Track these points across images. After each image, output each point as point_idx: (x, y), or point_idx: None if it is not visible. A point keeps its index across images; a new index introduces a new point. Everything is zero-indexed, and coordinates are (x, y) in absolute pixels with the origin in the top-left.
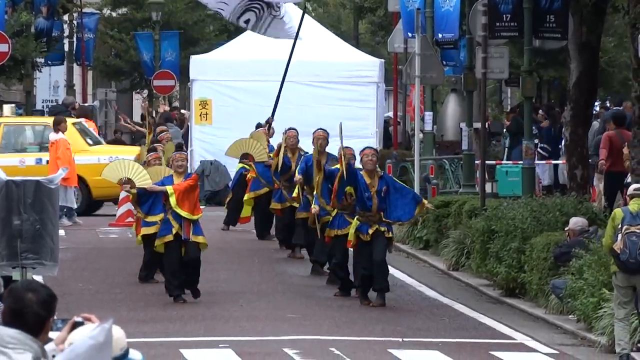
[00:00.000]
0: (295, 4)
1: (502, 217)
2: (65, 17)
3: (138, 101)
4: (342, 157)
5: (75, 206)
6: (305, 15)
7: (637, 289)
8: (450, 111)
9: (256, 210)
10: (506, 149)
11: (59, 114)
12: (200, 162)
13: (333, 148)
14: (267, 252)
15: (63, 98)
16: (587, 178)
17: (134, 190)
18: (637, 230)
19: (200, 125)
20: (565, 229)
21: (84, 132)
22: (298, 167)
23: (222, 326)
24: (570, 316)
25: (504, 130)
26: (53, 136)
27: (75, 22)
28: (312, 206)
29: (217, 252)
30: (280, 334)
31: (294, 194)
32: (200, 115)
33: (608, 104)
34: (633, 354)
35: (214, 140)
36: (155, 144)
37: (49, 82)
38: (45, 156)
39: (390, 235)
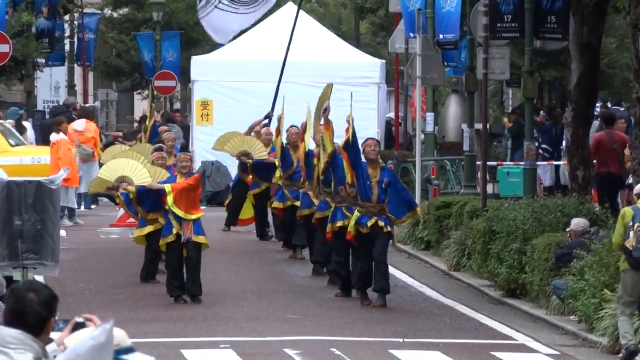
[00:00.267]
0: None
1: (503, 217)
2: (66, 18)
3: (139, 101)
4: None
5: (76, 206)
6: (307, 15)
7: None
8: (451, 112)
9: (256, 210)
10: (509, 150)
11: (60, 115)
12: (202, 162)
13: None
14: (268, 252)
15: (64, 99)
16: (589, 179)
17: (132, 188)
18: None
19: (201, 126)
20: (567, 229)
21: (6, 133)
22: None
23: (223, 326)
24: (571, 317)
25: (505, 131)
26: (54, 137)
27: (76, 22)
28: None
29: (217, 253)
30: (281, 335)
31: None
32: (202, 115)
33: (609, 104)
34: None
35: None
36: (159, 144)
37: (50, 82)
38: None
39: (389, 229)
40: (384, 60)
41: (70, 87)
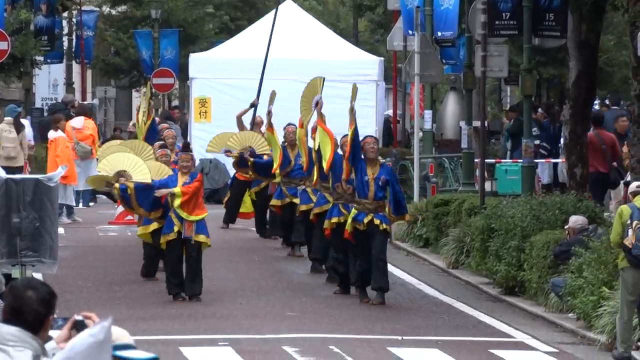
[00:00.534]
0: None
1: (501, 215)
2: (65, 15)
3: (138, 99)
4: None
5: (74, 204)
6: (305, 12)
7: None
8: (449, 109)
9: (256, 207)
10: (508, 151)
11: (58, 112)
12: (200, 160)
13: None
14: (267, 250)
15: (62, 96)
16: (587, 176)
17: (130, 184)
18: None
19: (199, 123)
20: (565, 227)
21: None
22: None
23: (222, 324)
24: (569, 314)
25: (505, 130)
26: (52, 134)
27: (74, 19)
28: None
29: (216, 251)
30: (280, 332)
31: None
32: (200, 113)
33: (607, 102)
34: (633, 353)
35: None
36: (162, 142)
37: (49, 80)
38: None
39: (385, 227)
40: (382, 58)
41: (69, 84)
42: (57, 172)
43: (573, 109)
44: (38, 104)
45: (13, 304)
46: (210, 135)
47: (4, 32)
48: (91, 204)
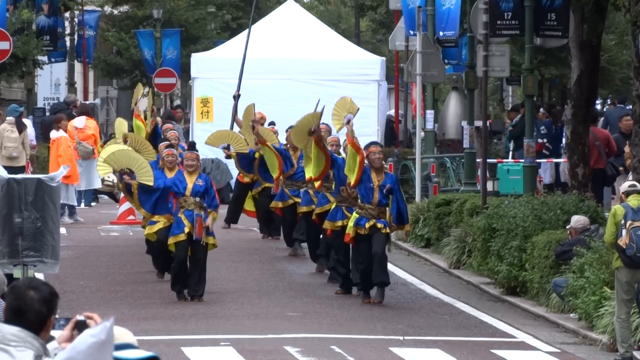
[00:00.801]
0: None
1: (503, 215)
2: (67, 15)
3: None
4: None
5: (76, 204)
6: (307, 13)
7: None
8: (451, 109)
9: (258, 207)
10: (510, 152)
11: (60, 112)
12: (202, 160)
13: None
14: (268, 250)
15: (64, 96)
16: (589, 176)
17: (134, 182)
18: None
19: (201, 123)
20: (567, 227)
21: None
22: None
23: (223, 324)
24: (571, 314)
25: (508, 130)
26: (54, 134)
27: (76, 19)
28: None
29: (218, 251)
30: (281, 332)
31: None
32: (202, 113)
33: (609, 101)
34: (635, 353)
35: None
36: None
37: (51, 80)
38: None
39: (388, 231)
40: (384, 58)
41: (71, 84)
42: (59, 172)
43: (575, 108)
44: (40, 104)
45: (15, 304)
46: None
47: (6, 32)
48: (93, 203)
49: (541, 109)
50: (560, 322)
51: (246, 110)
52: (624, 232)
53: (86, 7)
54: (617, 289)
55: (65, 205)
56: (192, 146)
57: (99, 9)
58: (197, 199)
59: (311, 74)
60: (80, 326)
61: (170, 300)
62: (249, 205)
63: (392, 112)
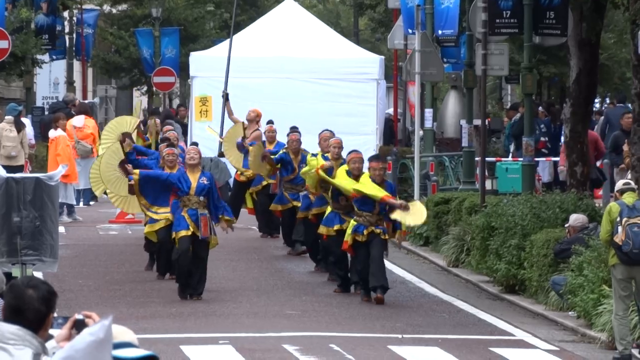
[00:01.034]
0: None
1: (502, 213)
2: (65, 14)
3: (138, 98)
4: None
5: (75, 203)
6: (305, 11)
7: (636, 281)
8: (450, 108)
9: (257, 206)
10: (510, 153)
11: (59, 111)
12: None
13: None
14: (267, 248)
15: (63, 95)
16: (587, 175)
17: (136, 171)
18: (639, 222)
19: (200, 122)
20: (565, 225)
21: None
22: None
23: (222, 322)
24: (570, 313)
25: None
26: (52, 133)
27: (75, 18)
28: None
29: (216, 249)
30: (280, 330)
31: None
32: (201, 112)
33: (607, 100)
34: (633, 351)
35: (214, 137)
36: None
37: (49, 78)
38: None
39: (386, 237)
40: (382, 57)
41: (70, 83)
42: (58, 171)
43: (574, 107)
44: (39, 103)
45: (13, 303)
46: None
47: (4, 30)
48: (92, 202)
49: (540, 108)
50: (559, 320)
51: (234, 127)
52: (619, 229)
53: (85, 6)
54: (615, 286)
55: (64, 204)
56: (194, 143)
57: (97, 7)
58: (202, 198)
59: (310, 72)
60: (79, 325)
61: (169, 299)
62: (248, 202)
63: (390, 110)
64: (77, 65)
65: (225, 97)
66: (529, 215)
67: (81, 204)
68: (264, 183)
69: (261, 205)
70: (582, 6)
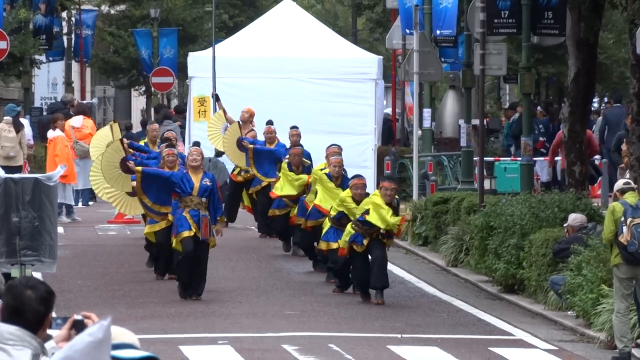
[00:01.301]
0: None
1: (500, 213)
2: (64, 14)
3: (136, 98)
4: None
5: (74, 203)
6: (303, 11)
7: (638, 280)
8: (448, 108)
9: (257, 206)
10: (512, 153)
11: (58, 112)
12: None
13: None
14: (266, 248)
15: (62, 95)
16: (586, 174)
17: (138, 168)
18: None
19: (198, 123)
20: (564, 225)
21: None
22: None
23: (221, 323)
24: (569, 312)
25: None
26: (51, 134)
27: (73, 18)
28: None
29: (216, 249)
30: (279, 331)
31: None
32: (199, 112)
33: (605, 99)
34: (633, 350)
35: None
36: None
37: (48, 79)
38: None
39: (385, 241)
40: (381, 57)
41: (68, 83)
42: (56, 172)
43: (572, 107)
44: (37, 103)
45: (12, 304)
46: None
47: (3, 31)
48: (90, 203)
49: (539, 107)
50: (558, 320)
51: (232, 127)
52: (624, 229)
53: (83, 7)
54: (617, 285)
55: (62, 205)
56: (196, 144)
57: (96, 8)
58: (204, 199)
59: (308, 72)
60: (78, 325)
61: (168, 299)
62: (245, 200)
63: (389, 110)
64: (75, 65)
65: (216, 98)
66: (528, 214)
67: (80, 204)
68: (264, 184)
69: (261, 205)
70: (580, 6)
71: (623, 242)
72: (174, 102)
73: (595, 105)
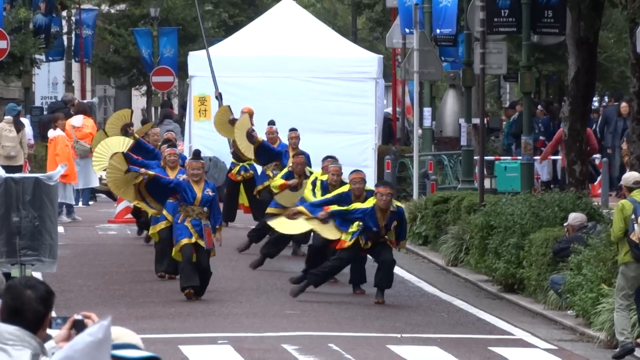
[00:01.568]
0: None
1: (500, 212)
2: (64, 14)
3: (137, 97)
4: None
5: (74, 203)
6: (303, 10)
7: None
8: (449, 107)
9: (258, 203)
10: (514, 153)
11: (58, 111)
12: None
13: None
14: None
15: (62, 95)
16: (586, 173)
17: (151, 172)
18: None
19: (199, 122)
20: (564, 224)
21: None
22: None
23: (221, 322)
24: (569, 312)
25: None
26: (51, 133)
27: (73, 18)
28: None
29: (216, 249)
30: (279, 330)
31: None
32: (199, 111)
33: (606, 99)
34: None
35: (213, 137)
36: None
37: (48, 78)
38: None
39: (401, 243)
40: (381, 56)
41: (68, 83)
42: (57, 171)
43: (572, 105)
44: (38, 103)
45: (12, 304)
46: (210, 133)
47: (3, 30)
48: (91, 202)
49: (539, 106)
50: (558, 319)
51: (241, 120)
52: (636, 227)
53: (83, 6)
54: (622, 284)
55: (63, 204)
56: (197, 155)
57: (96, 7)
58: (205, 209)
59: (308, 71)
60: (78, 325)
61: (168, 299)
62: (242, 200)
63: (389, 109)
64: (75, 65)
65: (219, 97)
66: (528, 214)
67: (80, 203)
68: (266, 184)
69: (265, 204)
70: (580, 5)
71: (635, 240)
72: (175, 102)
73: (596, 104)
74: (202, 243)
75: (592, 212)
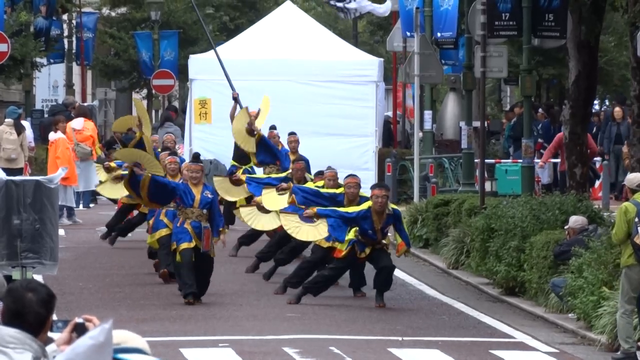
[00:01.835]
0: None
1: (501, 215)
2: (65, 17)
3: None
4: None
5: (75, 205)
6: (304, 13)
7: None
8: (449, 110)
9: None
10: (511, 156)
11: (59, 114)
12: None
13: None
14: None
15: (63, 98)
16: (587, 176)
17: (147, 174)
18: None
19: (199, 125)
20: (565, 227)
21: None
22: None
23: (222, 325)
24: (570, 315)
25: (509, 130)
26: (52, 136)
27: (74, 21)
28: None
29: (216, 251)
30: (280, 333)
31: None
32: (200, 114)
33: (607, 102)
34: (637, 353)
35: (214, 140)
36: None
37: (49, 81)
38: None
39: (387, 249)
40: (381, 59)
41: (69, 86)
42: (58, 174)
43: (573, 109)
44: (38, 106)
45: (13, 307)
46: (210, 136)
47: (3, 34)
48: (91, 205)
49: (540, 110)
50: (559, 323)
51: (240, 113)
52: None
53: (84, 9)
54: (625, 287)
55: (63, 207)
56: (196, 157)
57: (96, 11)
58: (204, 211)
59: (309, 75)
60: (79, 329)
61: (169, 302)
62: (241, 202)
63: (389, 113)
64: (76, 68)
65: (237, 99)
66: (529, 217)
67: (81, 206)
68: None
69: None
70: (581, 8)
71: (639, 242)
72: (175, 105)
73: (596, 107)
74: (200, 245)
75: (593, 215)
